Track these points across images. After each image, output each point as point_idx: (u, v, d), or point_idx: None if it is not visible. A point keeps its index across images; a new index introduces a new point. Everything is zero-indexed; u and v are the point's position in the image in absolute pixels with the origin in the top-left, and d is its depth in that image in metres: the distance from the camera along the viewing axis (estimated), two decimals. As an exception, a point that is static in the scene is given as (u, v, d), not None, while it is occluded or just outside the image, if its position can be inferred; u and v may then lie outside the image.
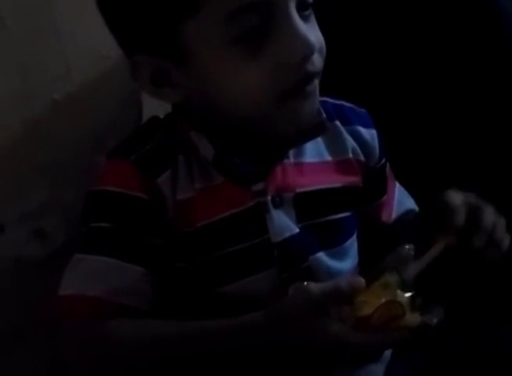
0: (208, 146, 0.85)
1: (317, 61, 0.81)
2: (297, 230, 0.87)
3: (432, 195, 0.87)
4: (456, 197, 0.83)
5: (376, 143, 0.94)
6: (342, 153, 0.92)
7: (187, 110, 0.86)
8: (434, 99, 1.12)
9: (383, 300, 0.74)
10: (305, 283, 0.77)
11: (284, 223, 0.86)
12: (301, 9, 0.81)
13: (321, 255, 0.87)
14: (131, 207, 0.83)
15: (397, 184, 0.99)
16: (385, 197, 0.96)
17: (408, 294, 0.76)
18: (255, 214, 0.86)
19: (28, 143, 1.01)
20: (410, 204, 0.99)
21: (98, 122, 1.06)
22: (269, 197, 0.86)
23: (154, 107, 1.02)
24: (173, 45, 0.80)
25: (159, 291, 0.83)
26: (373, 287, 0.76)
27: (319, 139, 0.90)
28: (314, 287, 0.75)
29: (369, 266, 0.84)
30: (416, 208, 0.99)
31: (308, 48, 0.79)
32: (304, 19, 0.81)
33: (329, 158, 0.91)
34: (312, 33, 0.81)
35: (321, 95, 0.85)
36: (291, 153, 0.89)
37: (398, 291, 0.76)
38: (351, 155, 0.92)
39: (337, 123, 0.92)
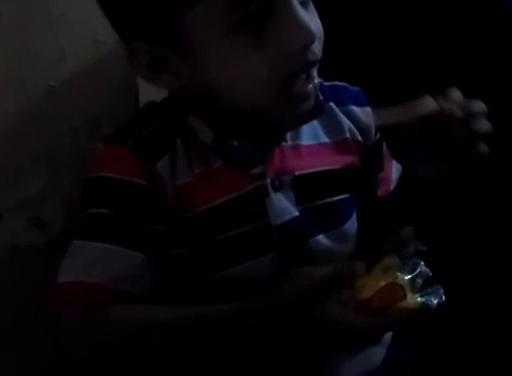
0: (207, 130, 0.85)
1: (317, 49, 0.81)
2: (297, 213, 0.86)
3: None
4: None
5: (371, 121, 0.93)
6: (339, 134, 0.91)
7: (185, 94, 0.85)
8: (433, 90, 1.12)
9: (383, 283, 0.75)
10: (306, 267, 0.77)
11: (284, 206, 0.86)
12: None
13: (321, 238, 0.87)
14: (129, 193, 0.82)
15: (394, 162, 0.98)
16: (382, 174, 0.95)
17: (408, 277, 0.75)
18: (254, 197, 0.85)
19: (24, 130, 1.01)
20: None
21: (94, 108, 1.06)
22: (268, 181, 0.86)
23: (151, 92, 1.02)
24: (172, 33, 0.79)
25: (159, 277, 0.83)
26: (374, 270, 0.76)
27: (315, 121, 0.90)
28: (314, 270, 0.76)
29: (368, 249, 0.84)
30: None
31: (308, 37, 0.79)
32: (304, 6, 0.80)
33: (326, 139, 0.91)
34: (312, 21, 0.80)
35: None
36: (288, 135, 0.88)
37: (398, 274, 0.76)
38: (348, 135, 0.92)
39: (332, 104, 0.91)
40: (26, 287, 1.01)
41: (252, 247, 0.84)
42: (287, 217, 0.86)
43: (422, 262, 0.77)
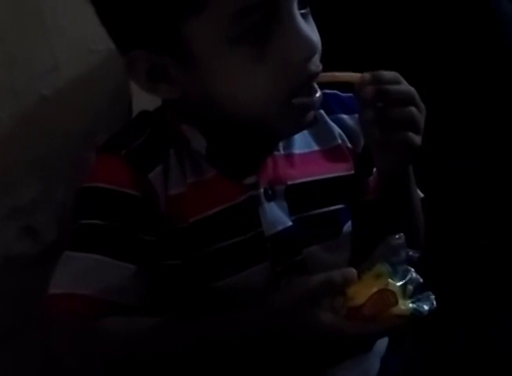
0: (201, 139, 0.84)
1: (317, 61, 0.81)
2: (290, 223, 0.86)
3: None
4: None
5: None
6: (330, 141, 0.91)
7: (179, 103, 0.84)
8: (432, 96, 1.11)
9: (375, 289, 0.75)
10: (298, 276, 0.77)
11: (277, 216, 0.86)
12: (301, 7, 0.80)
13: (314, 248, 0.87)
14: (122, 203, 0.82)
15: None
16: (371, 178, 0.94)
17: (399, 283, 0.76)
18: (248, 207, 0.85)
19: (17, 139, 1.00)
20: None
21: (87, 117, 1.05)
22: (261, 190, 0.85)
23: (145, 102, 1.02)
24: (174, 42, 0.79)
25: (152, 288, 0.82)
26: (365, 277, 0.76)
27: (305, 130, 0.89)
28: (306, 278, 0.75)
29: (360, 256, 0.84)
30: None
31: (311, 49, 0.79)
32: (304, 17, 0.80)
33: (317, 148, 0.90)
34: (313, 32, 0.80)
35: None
36: (281, 144, 0.88)
37: (390, 280, 0.76)
38: (339, 141, 0.91)
39: (322, 112, 0.91)
40: (18, 297, 1.01)
41: (245, 257, 0.84)
42: (280, 227, 0.85)
43: (412, 269, 0.77)
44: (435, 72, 1.12)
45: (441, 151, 1.12)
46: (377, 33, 1.11)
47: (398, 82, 0.82)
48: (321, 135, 0.90)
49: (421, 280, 0.76)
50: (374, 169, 0.92)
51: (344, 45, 1.04)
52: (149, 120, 0.88)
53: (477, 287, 1.07)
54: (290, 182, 0.87)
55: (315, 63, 0.81)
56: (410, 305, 0.75)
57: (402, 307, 0.75)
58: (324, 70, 0.82)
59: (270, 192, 0.86)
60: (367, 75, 0.81)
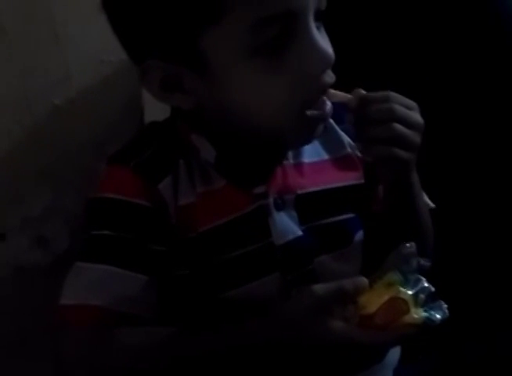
0: (210, 149, 0.84)
1: (331, 72, 0.81)
2: (300, 233, 0.85)
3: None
4: None
5: None
6: (340, 150, 0.91)
7: (189, 112, 0.84)
8: (436, 100, 1.11)
9: (386, 297, 0.75)
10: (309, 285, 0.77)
11: (287, 226, 0.85)
12: (316, 19, 0.80)
13: (325, 258, 0.86)
14: (132, 214, 0.82)
15: None
16: (380, 187, 0.93)
17: (411, 292, 0.75)
18: (257, 217, 0.84)
19: (28, 149, 1.01)
20: None
21: (98, 127, 1.06)
22: (271, 200, 0.85)
23: (156, 112, 1.02)
24: (190, 52, 0.79)
25: (163, 298, 0.82)
26: (376, 286, 0.76)
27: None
28: (317, 287, 0.75)
29: (371, 266, 0.83)
30: None
31: (327, 61, 0.79)
32: (318, 29, 0.80)
33: (325, 157, 0.90)
34: (327, 44, 0.81)
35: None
36: (290, 153, 0.88)
37: (401, 289, 0.76)
38: (349, 150, 0.91)
39: (331, 121, 0.90)
40: (29, 306, 1.01)
41: (256, 267, 0.83)
42: (291, 236, 0.85)
43: (424, 278, 0.77)
44: (434, 71, 1.12)
45: (442, 151, 1.12)
46: (385, 46, 1.11)
47: (385, 101, 0.82)
48: (330, 143, 0.90)
49: (433, 289, 0.76)
50: None
51: (351, 56, 1.04)
52: (159, 130, 0.88)
53: (490, 296, 1.07)
54: (299, 192, 0.86)
55: (330, 75, 0.81)
56: (422, 313, 0.75)
57: (414, 315, 0.74)
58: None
59: (280, 201, 0.85)
60: (356, 96, 0.82)
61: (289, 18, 0.77)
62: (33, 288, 1.01)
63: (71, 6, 1.02)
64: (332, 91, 0.82)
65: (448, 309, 0.75)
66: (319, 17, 0.81)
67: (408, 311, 0.74)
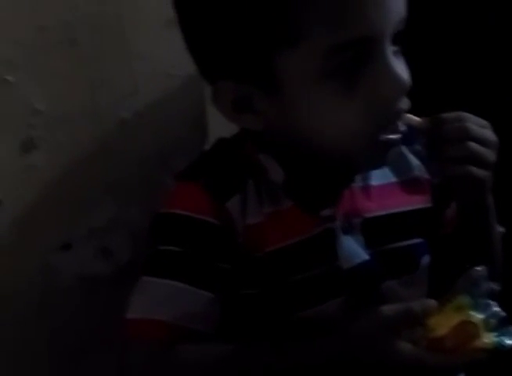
0: (278, 170, 0.84)
1: (406, 98, 0.81)
2: (367, 257, 0.85)
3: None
4: None
5: None
6: (407, 172, 0.90)
7: (258, 132, 0.84)
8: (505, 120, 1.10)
9: (456, 321, 0.74)
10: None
11: (354, 249, 0.85)
12: (393, 42, 0.79)
13: (391, 283, 0.86)
14: (200, 231, 0.82)
15: None
16: (449, 210, 0.93)
17: (481, 316, 0.75)
18: (324, 240, 0.84)
19: (96, 161, 1.02)
20: None
21: (163, 141, 1.06)
22: (338, 223, 0.85)
23: (220, 127, 1.02)
24: (264, 74, 0.79)
25: (228, 316, 0.83)
26: (445, 309, 0.76)
27: None
28: (385, 308, 0.75)
29: (438, 291, 0.83)
30: None
31: (402, 88, 0.79)
32: (395, 54, 0.80)
33: (393, 179, 0.89)
34: (403, 70, 0.80)
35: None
36: (358, 176, 0.87)
37: (471, 313, 0.75)
38: (417, 172, 0.90)
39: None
40: (92, 316, 1.02)
41: (322, 291, 0.83)
42: (357, 260, 0.85)
43: (495, 303, 0.76)
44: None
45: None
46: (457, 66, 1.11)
47: (458, 121, 0.82)
48: (398, 166, 0.89)
49: (504, 314, 0.76)
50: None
51: (427, 81, 1.04)
52: (228, 148, 0.88)
53: None
54: (367, 215, 0.86)
55: (404, 101, 0.80)
56: (493, 338, 0.74)
57: (485, 340, 0.74)
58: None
59: (347, 225, 0.85)
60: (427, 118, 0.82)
61: (365, 42, 0.77)
62: (95, 298, 1.02)
63: (141, 21, 1.03)
64: (405, 115, 0.82)
65: None
66: (397, 40, 0.80)
67: (478, 335, 0.74)
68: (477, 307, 0.76)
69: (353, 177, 0.87)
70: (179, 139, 1.07)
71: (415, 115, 0.83)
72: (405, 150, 0.90)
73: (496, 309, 0.76)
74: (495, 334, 0.74)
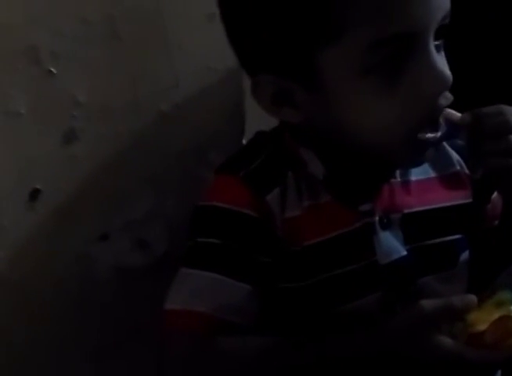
0: (318, 164, 0.85)
1: (449, 94, 0.81)
2: (405, 252, 0.86)
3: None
4: None
5: None
6: (448, 167, 0.91)
7: (297, 126, 0.85)
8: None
9: (496, 316, 0.74)
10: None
11: (392, 245, 0.86)
12: (436, 37, 0.79)
13: (429, 279, 0.86)
14: (240, 224, 0.83)
15: None
16: (489, 206, 0.94)
17: None
18: (362, 235, 0.85)
19: (134, 153, 1.02)
20: None
21: (202, 135, 1.06)
22: (377, 218, 0.86)
23: (257, 121, 1.03)
24: (305, 70, 0.80)
25: (265, 309, 0.83)
26: (486, 304, 0.76)
27: None
28: (425, 302, 0.75)
29: (477, 287, 0.83)
30: None
31: (444, 83, 0.79)
32: (437, 49, 0.80)
33: (433, 174, 0.90)
34: (445, 65, 0.80)
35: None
36: (398, 171, 0.88)
37: None
38: (458, 167, 0.91)
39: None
40: (128, 308, 1.03)
41: (359, 286, 0.84)
42: (395, 256, 0.85)
43: None
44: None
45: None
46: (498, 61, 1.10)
47: (499, 115, 0.82)
48: (438, 161, 0.90)
49: None
50: (493, 196, 0.92)
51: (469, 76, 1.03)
52: (267, 141, 0.88)
53: None
54: (406, 211, 0.87)
55: (446, 97, 0.80)
56: None
57: None
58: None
59: (385, 220, 0.86)
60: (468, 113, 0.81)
61: (408, 37, 0.77)
62: (131, 289, 1.03)
63: (181, 15, 1.03)
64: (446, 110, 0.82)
65: None
66: (440, 35, 0.80)
67: None
68: None
69: (392, 172, 0.87)
70: (217, 132, 1.07)
71: (455, 110, 0.83)
72: (445, 144, 0.90)
73: None
74: None
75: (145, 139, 1.02)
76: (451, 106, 0.82)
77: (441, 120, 0.81)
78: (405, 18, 0.76)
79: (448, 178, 0.90)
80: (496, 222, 0.94)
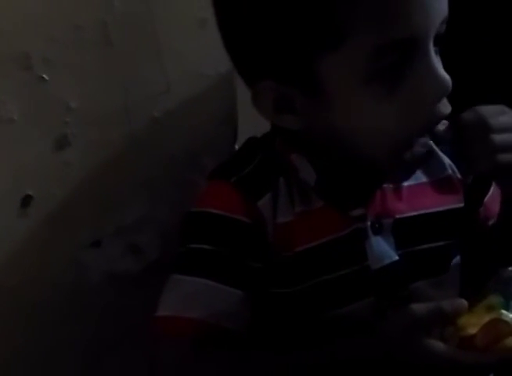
0: (310, 170, 0.85)
1: (447, 103, 0.81)
2: (397, 257, 0.86)
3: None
4: None
5: None
6: (439, 172, 0.91)
7: (289, 132, 0.85)
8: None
9: (487, 319, 0.74)
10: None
11: (383, 250, 0.86)
12: (434, 43, 0.79)
13: (421, 284, 0.87)
14: (231, 230, 0.83)
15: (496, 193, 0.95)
16: (482, 208, 0.94)
17: None
18: (354, 240, 0.85)
19: (127, 159, 1.02)
20: None
21: (194, 140, 1.07)
22: (369, 223, 0.86)
23: (249, 127, 1.03)
24: (306, 75, 0.79)
25: (258, 314, 0.83)
26: (476, 308, 0.76)
27: None
28: (415, 306, 0.76)
29: (469, 291, 0.83)
30: None
31: (445, 88, 0.79)
32: (435, 53, 0.80)
33: (424, 179, 0.90)
34: (444, 70, 0.80)
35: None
36: (389, 177, 0.88)
37: (503, 311, 0.75)
38: (449, 172, 0.91)
39: (430, 142, 0.89)
40: (121, 314, 1.03)
41: (351, 291, 0.84)
42: (387, 261, 0.86)
43: None
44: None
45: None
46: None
47: (502, 113, 0.82)
48: (430, 166, 0.90)
49: None
50: (485, 199, 0.92)
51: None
52: (259, 147, 0.88)
53: None
54: (397, 216, 0.87)
55: (445, 104, 0.80)
56: None
57: None
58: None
59: (377, 225, 0.86)
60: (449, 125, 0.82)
61: (409, 44, 0.77)
62: (124, 295, 1.03)
63: (173, 21, 1.04)
64: None
65: None
66: (437, 42, 0.80)
67: (509, 334, 0.74)
68: (508, 307, 0.76)
69: (385, 177, 0.87)
70: (210, 138, 1.07)
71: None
72: (436, 148, 0.90)
73: None
74: None
75: (137, 144, 1.02)
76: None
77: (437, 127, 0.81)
78: (407, 24, 0.76)
79: (440, 183, 0.90)
80: (491, 222, 0.94)
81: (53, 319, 1.00)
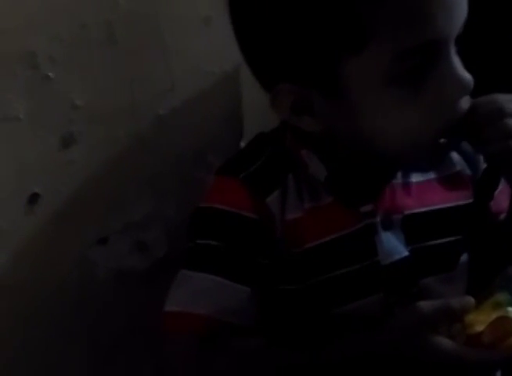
0: (320, 166, 0.85)
1: (469, 97, 0.81)
2: (407, 253, 0.86)
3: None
4: None
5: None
6: (448, 168, 0.91)
7: (300, 129, 0.84)
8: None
9: (494, 316, 0.75)
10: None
11: (393, 246, 0.86)
12: (454, 44, 0.79)
13: (430, 280, 0.87)
14: (239, 226, 0.83)
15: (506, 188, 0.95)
16: (492, 203, 0.93)
17: None
18: (364, 236, 0.85)
19: (133, 156, 1.02)
20: None
21: (200, 137, 1.07)
22: (378, 219, 0.86)
23: (255, 124, 1.03)
24: (328, 79, 0.79)
25: (267, 310, 0.84)
26: (483, 306, 0.77)
27: None
28: (423, 304, 0.76)
29: (478, 285, 0.84)
30: None
31: (468, 87, 0.79)
32: (455, 53, 0.80)
33: (433, 176, 0.90)
34: (464, 70, 0.80)
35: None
36: (399, 172, 0.88)
37: (510, 309, 0.76)
38: (458, 168, 0.91)
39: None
40: (128, 310, 1.03)
41: (360, 286, 0.84)
42: (397, 257, 0.86)
43: None
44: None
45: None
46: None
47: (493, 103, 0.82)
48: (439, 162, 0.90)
49: None
50: (495, 193, 0.92)
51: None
52: (267, 143, 0.88)
53: None
54: (407, 212, 0.87)
55: (466, 100, 0.80)
56: None
57: None
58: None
59: (387, 221, 0.86)
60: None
61: (431, 47, 0.77)
62: (131, 292, 1.03)
63: (178, 19, 1.04)
64: None
65: None
66: (457, 42, 0.80)
67: None
68: None
69: (394, 174, 0.87)
70: (215, 135, 1.08)
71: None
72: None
73: None
74: None
75: (142, 142, 1.03)
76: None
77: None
78: (432, 27, 0.76)
79: (449, 179, 0.90)
80: (503, 216, 0.94)
81: (60, 316, 1.00)
